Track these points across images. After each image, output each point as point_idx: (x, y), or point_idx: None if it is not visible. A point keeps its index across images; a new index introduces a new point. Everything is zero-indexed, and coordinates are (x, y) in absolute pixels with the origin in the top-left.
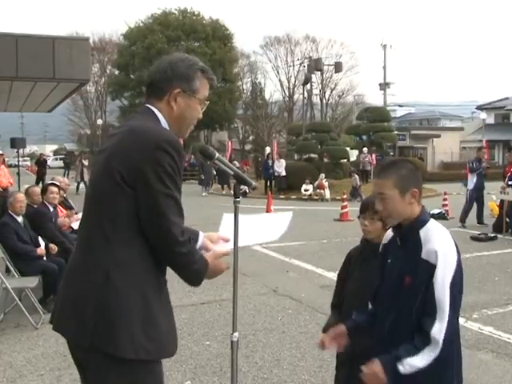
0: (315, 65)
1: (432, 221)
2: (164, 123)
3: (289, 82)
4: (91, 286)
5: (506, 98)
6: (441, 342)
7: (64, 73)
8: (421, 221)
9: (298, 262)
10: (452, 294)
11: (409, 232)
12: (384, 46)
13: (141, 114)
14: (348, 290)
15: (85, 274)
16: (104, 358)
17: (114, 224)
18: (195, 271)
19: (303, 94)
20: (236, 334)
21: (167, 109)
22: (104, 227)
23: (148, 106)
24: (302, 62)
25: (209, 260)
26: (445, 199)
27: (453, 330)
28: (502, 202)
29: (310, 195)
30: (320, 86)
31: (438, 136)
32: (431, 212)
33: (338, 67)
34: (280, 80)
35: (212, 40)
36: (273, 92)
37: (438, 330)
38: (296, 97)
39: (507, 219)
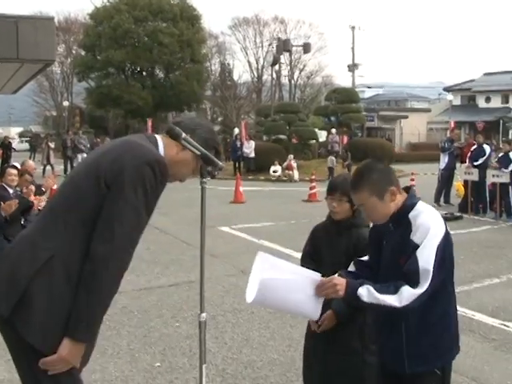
0: (284, 46)
1: (420, 203)
2: (161, 153)
3: (257, 62)
4: (32, 263)
5: (473, 80)
6: (408, 300)
7: (28, 53)
8: (408, 206)
9: (267, 243)
10: (434, 268)
11: (399, 218)
12: (352, 28)
13: (141, 136)
14: (321, 267)
15: (30, 251)
16: (17, 337)
17: (77, 217)
18: (92, 315)
19: (272, 75)
20: (204, 314)
21: (172, 147)
22: (68, 217)
23: (155, 135)
24: (271, 43)
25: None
26: (412, 179)
27: (427, 297)
28: (466, 182)
29: (279, 176)
30: (288, 67)
31: (406, 117)
32: None
33: (306, 48)
34: (248, 61)
35: (180, 20)
36: (241, 73)
37: (409, 291)
38: (265, 78)
39: (472, 199)
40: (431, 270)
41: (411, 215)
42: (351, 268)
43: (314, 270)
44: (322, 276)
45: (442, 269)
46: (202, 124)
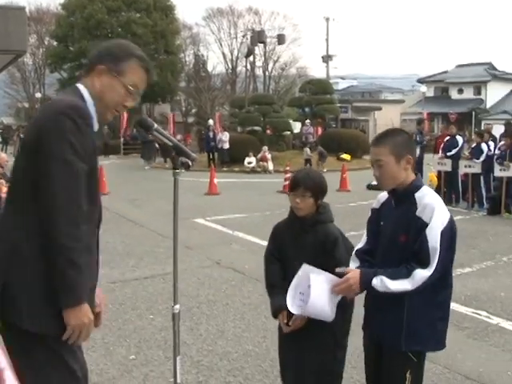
0: (258, 37)
1: (425, 186)
2: (88, 98)
3: (232, 54)
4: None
5: (446, 72)
6: (419, 282)
7: None
8: (416, 185)
9: (242, 234)
10: (441, 248)
11: (404, 195)
12: (327, 19)
13: (64, 92)
14: (287, 267)
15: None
16: (8, 328)
17: (27, 196)
18: (68, 279)
19: (246, 66)
20: (177, 306)
21: (91, 85)
22: (18, 200)
23: (76, 84)
24: (245, 34)
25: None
26: None
27: (434, 280)
28: (439, 172)
29: (253, 168)
30: (263, 58)
31: (380, 108)
32: (372, 183)
33: (280, 39)
34: (223, 52)
35: (153, 11)
36: (215, 64)
37: (421, 274)
38: (239, 69)
39: (445, 189)
40: (438, 249)
41: (417, 195)
42: (353, 261)
43: (280, 269)
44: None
45: (450, 250)
46: (104, 44)
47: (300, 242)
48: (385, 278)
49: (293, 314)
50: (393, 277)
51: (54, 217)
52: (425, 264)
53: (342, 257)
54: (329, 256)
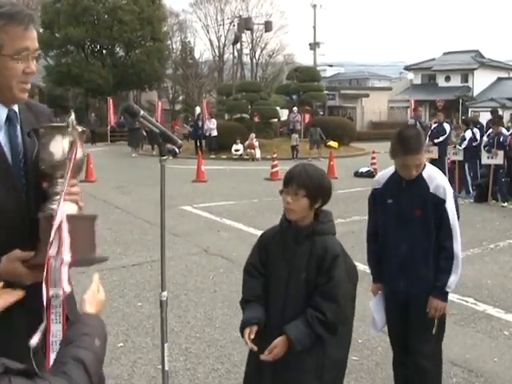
0: (245, 24)
1: (428, 164)
2: None
3: (219, 41)
4: None
5: (433, 59)
6: (460, 254)
7: None
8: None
9: (230, 222)
10: (457, 215)
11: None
12: (314, 6)
13: None
14: (271, 285)
15: None
16: None
17: None
18: None
19: (233, 53)
20: (165, 293)
21: None
22: None
23: None
24: (232, 21)
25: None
26: (373, 158)
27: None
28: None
29: (241, 155)
30: (250, 45)
31: (367, 96)
32: (360, 170)
33: (267, 26)
34: (210, 39)
35: None
36: (203, 51)
37: (457, 247)
38: (226, 56)
39: None
40: (457, 222)
41: (425, 174)
42: (372, 243)
43: (260, 284)
44: (272, 290)
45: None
46: None
47: (291, 254)
48: (449, 282)
49: (265, 336)
50: (448, 275)
51: None
52: (450, 237)
53: (341, 279)
54: (324, 276)
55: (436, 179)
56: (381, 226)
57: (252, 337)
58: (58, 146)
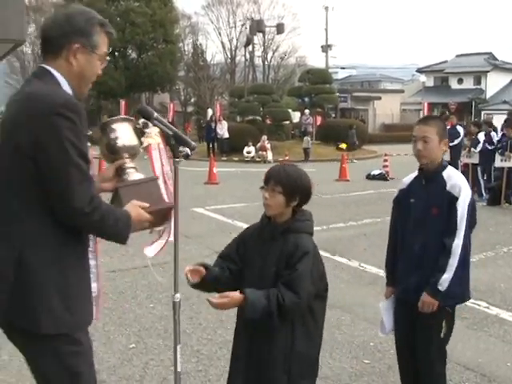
0: (257, 26)
1: (450, 166)
2: (63, 82)
3: (231, 43)
4: (3, 263)
5: (445, 61)
6: (459, 251)
7: None
8: (443, 165)
9: (241, 224)
10: (467, 218)
11: (434, 173)
12: (326, 8)
13: (37, 78)
14: (246, 277)
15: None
16: (25, 335)
17: (21, 199)
18: (115, 233)
19: (245, 55)
20: (178, 295)
21: (66, 66)
22: (11, 203)
23: (44, 66)
24: (244, 24)
25: (131, 212)
26: (385, 160)
27: (467, 243)
28: None
29: (253, 157)
30: (262, 47)
31: (379, 98)
32: (372, 173)
33: (279, 29)
34: (222, 41)
35: (152, 0)
36: (214, 54)
37: (457, 246)
38: (238, 58)
39: None
40: (465, 217)
41: (445, 174)
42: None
43: (223, 271)
44: (244, 282)
45: (471, 219)
46: (63, 18)
47: (265, 250)
48: (441, 279)
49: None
50: (441, 273)
51: (81, 218)
52: (452, 234)
53: (304, 273)
54: (290, 269)
55: (454, 179)
56: (400, 226)
57: (189, 269)
58: (129, 134)
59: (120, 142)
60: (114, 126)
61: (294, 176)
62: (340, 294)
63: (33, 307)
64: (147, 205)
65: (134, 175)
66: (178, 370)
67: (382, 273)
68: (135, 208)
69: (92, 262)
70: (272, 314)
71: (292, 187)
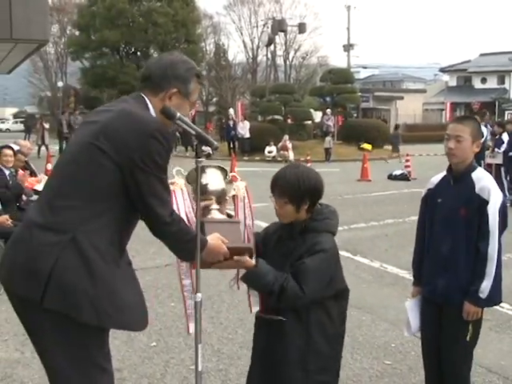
0: (279, 26)
1: (479, 168)
2: (153, 113)
3: (252, 43)
4: (53, 245)
5: (468, 61)
6: (495, 256)
7: (22, 33)
8: (473, 166)
9: (263, 223)
10: (499, 220)
11: (464, 174)
12: (348, 7)
13: (134, 100)
14: None
15: (46, 234)
16: (60, 319)
17: (87, 196)
18: (185, 249)
19: (267, 55)
20: (199, 294)
21: (160, 104)
22: (75, 197)
23: (142, 95)
24: (266, 23)
25: (210, 241)
26: (407, 160)
27: (500, 247)
28: None
29: (274, 157)
30: (284, 47)
31: (401, 98)
32: (394, 173)
33: (301, 28)
34: (243, 41)
35: (174, 0)
36: (236, 53)
37: (493, 250)
38: (259, 58)
39: None
40: (497, 222)
41: (474, 175)
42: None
43: None
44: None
45: (503, 223)
46: (167, 62)
47: (280, 250)
48: (482, 287)
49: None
50: (481, 279)
51: (160, 227)
52: (486, 238)
53: (313, 268)
54: (301, 260)
55: (483, 180)
56: (428, 226)
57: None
58: (220, 181)
59: (211, 187)
60: (208, 170)
61: (296, 182)
62: (361, 295)
63: (76, 292)
64: (226, 241)
65: (217, 215)
66: (199, 369)
67: (404, 273)
68: (216, 239)
69: (187, 281)
70: (273, 294)
71: (297, 194)
